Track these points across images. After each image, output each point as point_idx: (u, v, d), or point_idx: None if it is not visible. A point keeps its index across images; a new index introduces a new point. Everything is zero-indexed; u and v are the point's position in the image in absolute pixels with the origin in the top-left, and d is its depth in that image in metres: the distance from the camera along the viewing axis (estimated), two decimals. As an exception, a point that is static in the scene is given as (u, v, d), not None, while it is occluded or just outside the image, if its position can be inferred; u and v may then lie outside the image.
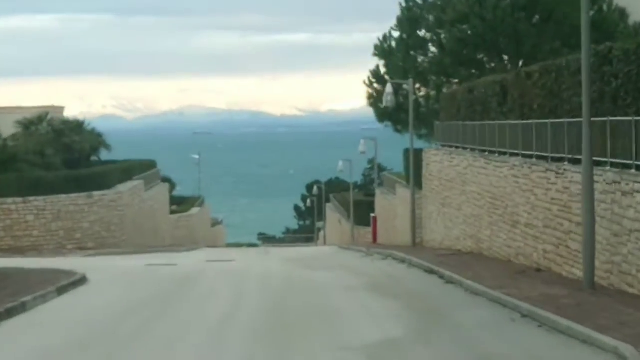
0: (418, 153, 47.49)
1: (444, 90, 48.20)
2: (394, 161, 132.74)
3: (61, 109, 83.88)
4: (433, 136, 51.32)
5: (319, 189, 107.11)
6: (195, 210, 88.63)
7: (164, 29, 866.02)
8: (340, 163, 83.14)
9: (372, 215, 66.20)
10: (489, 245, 33.45)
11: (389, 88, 44.84)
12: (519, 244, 29.61)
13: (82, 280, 26.73)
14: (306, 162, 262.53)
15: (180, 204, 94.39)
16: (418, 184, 46.16)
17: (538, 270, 26.69)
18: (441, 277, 27.51)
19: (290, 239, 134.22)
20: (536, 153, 28.63)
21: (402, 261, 34.89)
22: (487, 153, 34.78)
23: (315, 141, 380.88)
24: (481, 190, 34.64)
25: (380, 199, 63.58)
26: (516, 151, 30.89)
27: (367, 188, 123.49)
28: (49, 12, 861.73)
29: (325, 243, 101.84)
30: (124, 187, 50.35)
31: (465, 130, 38.74)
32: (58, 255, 42.52)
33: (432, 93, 49.81)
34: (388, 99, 44.78)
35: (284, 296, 23.94)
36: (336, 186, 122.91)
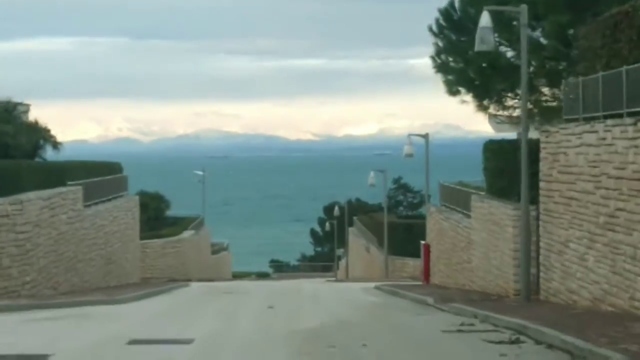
0: (519, 145, 26.63)
1: (569, 32, 27.31)
2: (420, 184, 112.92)
3: (26, 106, 61.83)
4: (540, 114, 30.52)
5: (341, 209, 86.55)
6: (187, 233, 67.93)
7: (179, 52, 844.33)
8: (372, 174, 62.52)
9: (423, 242, 45.05)
10: None
11: (484, 19, 24.02)
12: None
13: None
14: (322, 186, 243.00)
15: (173, 224, 74.09)
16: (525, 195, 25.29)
17: None
18: None
19: (305, 267, 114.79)
20: None
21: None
22: None
23: (331, 166, 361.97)
24: None
25: (437, 220, 42.38)
26: None
27: (392, 210, 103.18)
28: (66, 35, 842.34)
29: (347, 274, 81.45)
30: (32, 196, 29.27)
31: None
32: None
33: (546, 44, 28.65)
34: (484, 37, 23.96)
35: None
36: (357, 208, 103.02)
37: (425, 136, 46.74)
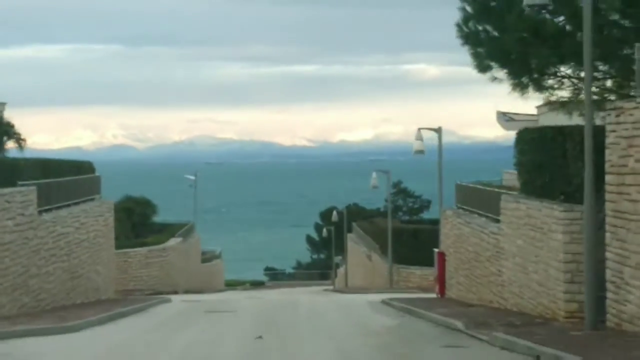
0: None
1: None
2: (425, 194, 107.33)
3: (2, 104, 55.73)
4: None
5: (339, 214, 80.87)
6: (174, 241, 61.89)
7: (173, 59, 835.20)
8: (374, 175, 56.64)
9: (437, 250, 39.03)
10: None
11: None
12: None
13: None
14: (318, 192, 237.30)
15: (160, 231, 68.20)
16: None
17: None
18: None
19: (301, 275, 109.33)
20: None
21: None
22: None
23: (327, 171, 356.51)
24: None
25: (454, 225, 36.33)
26: None
27: (392, 215, 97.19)
28: (60, 42, 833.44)
29: (346, 283, 75.66)
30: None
31: None
32: None
33: (603, 6, 22.57)
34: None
35: None
36: (355, 213, 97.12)
37: (438, 130, 40.75)
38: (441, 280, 37.70)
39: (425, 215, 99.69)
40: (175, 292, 51.81)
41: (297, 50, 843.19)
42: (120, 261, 55.02)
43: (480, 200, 32.83)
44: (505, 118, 53.78)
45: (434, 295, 38.59)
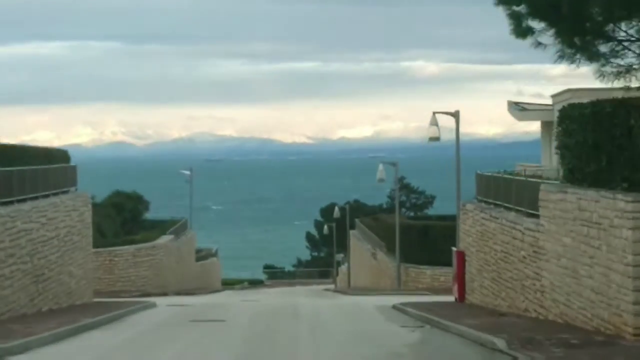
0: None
1: None
2: (427, 190, 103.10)
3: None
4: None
5: (342, 210, 76.56)
6: (164, 239, 57.27)
7: (172, 56, 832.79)
8: (381, 167, 52.10)
9: (455, 249, 34.19)
10: None
11: None
12: None
13: None
14: (318, 189, 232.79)
15: (152, 228, 63.85)
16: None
17: None
18: None
19: (302, 273, 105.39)
20: None
21: None
22: None
23: (326, 169, 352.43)
24: None
25: (476, 220, 31.52)
26: None
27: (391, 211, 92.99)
28: (60, 40, 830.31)
29: (349, 283, 71.27)
30: None
31: None
32: None
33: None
34: None
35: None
36: (356, 210, 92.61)
37: (456, 114, 35.98)
38: (460, 283, 32.96)
39: (430, 211, 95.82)
40: (165, 294, 47.24)
41: (296, 47, 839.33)
42: (106, 260, 50.75)
43: (508, 191, 28.10)
44: (518, 108, 49.48)
45: (451, 299, 34.01)
